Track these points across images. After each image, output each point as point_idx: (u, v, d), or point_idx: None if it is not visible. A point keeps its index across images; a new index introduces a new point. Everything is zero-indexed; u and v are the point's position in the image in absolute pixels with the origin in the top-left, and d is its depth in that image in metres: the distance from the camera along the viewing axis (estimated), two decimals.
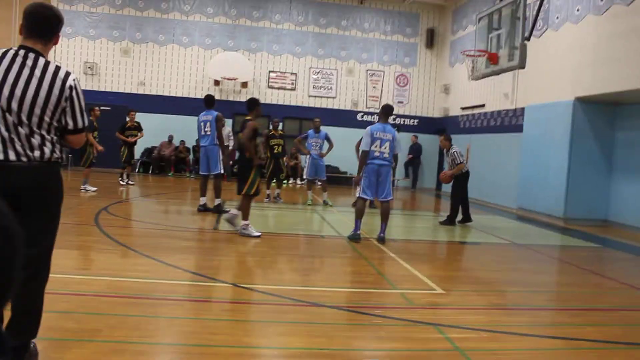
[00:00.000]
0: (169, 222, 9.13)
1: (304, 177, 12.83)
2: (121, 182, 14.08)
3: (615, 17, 11.09)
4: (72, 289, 4.72)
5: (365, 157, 7.93)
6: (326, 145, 12.65)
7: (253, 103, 8.08)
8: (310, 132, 12.61)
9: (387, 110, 8.23)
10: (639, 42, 10.39)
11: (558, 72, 12.84)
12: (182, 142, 18.60)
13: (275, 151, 12.43)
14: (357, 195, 8.19)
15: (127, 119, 14.30)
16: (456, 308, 4.99)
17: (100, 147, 12.55)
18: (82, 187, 11.91)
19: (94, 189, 12.04)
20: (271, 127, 12.75)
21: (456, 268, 7.11)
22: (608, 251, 9.18)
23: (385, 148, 7.88)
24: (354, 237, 7.97)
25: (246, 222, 7.78)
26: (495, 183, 15.47)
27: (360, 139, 8.62)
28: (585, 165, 12.17)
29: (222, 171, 9.97)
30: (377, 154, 7.87)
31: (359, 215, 8.06)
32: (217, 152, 9.80)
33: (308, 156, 12.55)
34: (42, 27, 3.01)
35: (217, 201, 9.76)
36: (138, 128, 14.25)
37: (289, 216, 11.07)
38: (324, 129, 12.88)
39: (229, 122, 18.74)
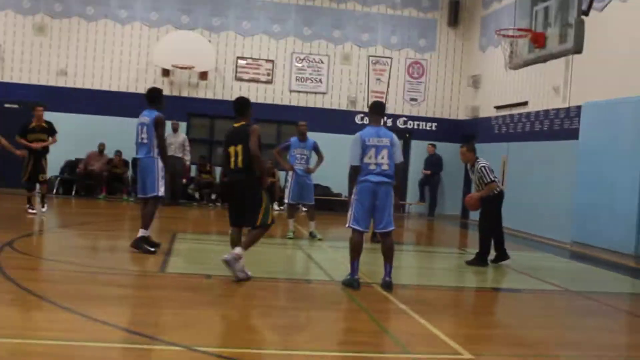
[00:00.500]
0: (99, 263, 9.06)
1: (285, 200, 12.79)
2: (30, 211, 13.49)
3: None
4: None
5: (355, 175, 7.94)
6: (314, 158, 12.65)
7: (246, 105, 8.28)
8: (294, 140, 12.61)
9: (377, 109, 8.30)
10: None
11: (627, 58, 12.93)
12: (118, 153, 18.50)
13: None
14: (347, 225, 8.15)
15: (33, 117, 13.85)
16: None
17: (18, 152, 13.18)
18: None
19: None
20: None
21: (489, 324, 7.09)
22: None
23: (383, 158, 7.86)
24: (351, 283, 7.94)
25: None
26: (542, 209, 15.52)
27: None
28: None
29: (160, 193, 9.69)
30: (372, 167, 7.85)
31: (355, 254, 7.98)
32: (155, 166, 9.60)
33: (290, 172, 12.53)
34: None
35: (142, 232, 9.55)
36: (47, 131, 13.63)
37: (264, 254, 11.01)
38: (311, 135, 12.88)
39: (182, 127, 18.77)
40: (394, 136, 8.10)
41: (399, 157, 8.05)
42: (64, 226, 12.67)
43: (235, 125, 8.10)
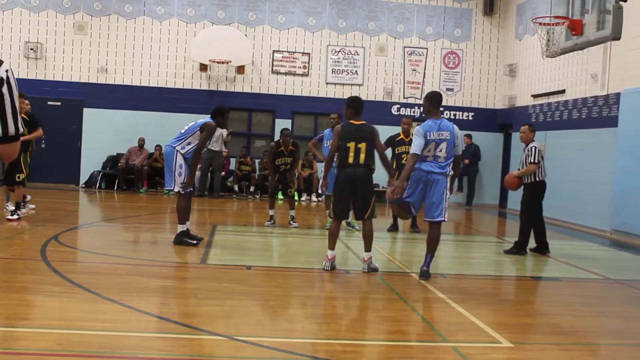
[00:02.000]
0: (142, 255, 9.21)
1: (322, 192, 12.83)
2: (8, 215, 11.35)
3: None
4: (11, 346, 4.79)
5: (414, 162, 7.94)
6: None
7: (362, 104, 8.52)
8: (327, 132, 12.63)
9: (435, 100, 8.19)
10: None
11: None
12: (158, 147, 18.69)
13: (282, 170, 12.49)
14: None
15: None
16: None
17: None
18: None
19: (32, 206, 12.28)
20: (280, 141, 12.60)
21: (528, 313, 7.06)
22: None
23: (441, 151, 7.90)
24: (425, 275, 7.95)
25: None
26: (581, 197, 15.36)
27: (388, 139, 8.67)
28: None
29: (175, 189, 9.67)
30: (429, 158, 7.92)
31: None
32: (174, 158, 9.57)
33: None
34: None
35: (180, 228, 9.65)
36: (29, 123, 11.39)
37: (301, 245, 11.08)
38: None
39: None
40: (456, 128, 8.07)
41: (459, 149, 8.11)
42: (107, 220, 12.87)
43: (356, 122, 8.25)
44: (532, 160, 10.12)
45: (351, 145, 8.08)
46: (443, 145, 7.89)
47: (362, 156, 8.08)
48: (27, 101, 11.91)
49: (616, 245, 12.81)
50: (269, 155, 12.70)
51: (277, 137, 19.57)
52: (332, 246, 8.22)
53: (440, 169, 7.94)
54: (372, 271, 8.14)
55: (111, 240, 10.74)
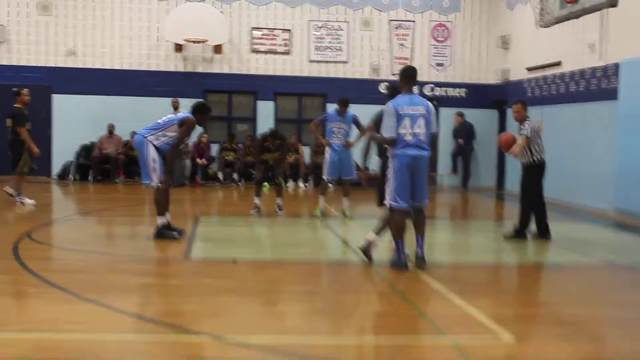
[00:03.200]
0: (120, 250, 9.18)
1: (323, 177, 12.73)
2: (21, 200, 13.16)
3: None
4: None
5: (390, 145, 7.86)
6: (354, 132, 12.52)
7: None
8: (331, 112, 12.57)
9: (409, 74, 8.09)
10: None
11: None
12: (133, 134, 18.57)
13: (269, 164, 12.50)
14: (387, 202, 8.07)
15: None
16: None
17: (36, 149, 13.09)
18: (18, 199, 12.90)
19: (32, 201, 12.92)
20: (268, 134, 12.59)
21: (529, 303, 7.08)
22: None
23: (420, 127, 7.76)
24: (399, 264, 7.83)
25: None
26: (581, 175, 15.45)
27: (372, 121, 8.60)
28: None
29: (152, 183, 9.60)
30: (408, 138, 7.74)
31: (399, 234, 7.88)
32: (145, 148, 9.48)
33: (328, 148, 12.49)
34: None
35: (159, 220, 9.62)
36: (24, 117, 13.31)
37: (290, 235, 11.08)
38: (333, 107, 12.80)
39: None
40: (429, 104, 7.98)
41: (434, 127, 7.98)
42: (82, 213, 12.83)
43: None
44: (522, 134, 10.08)
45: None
46: (421, 122, 7.75)
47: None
48: (25, 90, 13.33)
49: (620, 226, 12.90)
50: (255, 148, 12.70)
51: (259, 120, 19.68)
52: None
53: (426, 150, 7.83)
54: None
55: (87, 235, 10.69)
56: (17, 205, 12.73)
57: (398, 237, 7.86)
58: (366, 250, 8.12)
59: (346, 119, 12.40)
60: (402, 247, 7.89)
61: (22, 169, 12.92)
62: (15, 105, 13.09)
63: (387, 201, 7.93)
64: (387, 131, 7.81)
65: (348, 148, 12.42)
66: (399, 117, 7.76)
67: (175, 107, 17.99)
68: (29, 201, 12.92)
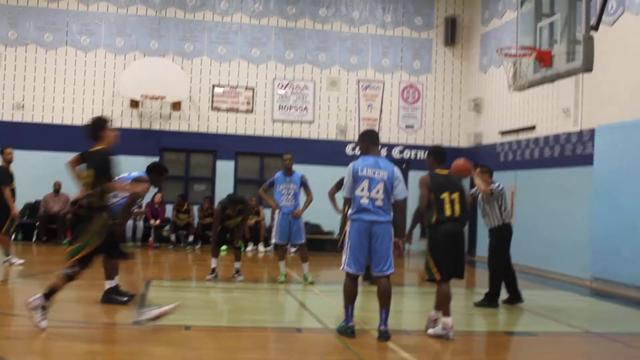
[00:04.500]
0: (66, 315, 9.01)
1: (272, 241, 12.75)
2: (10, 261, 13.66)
3: None
4: None
5: (347, 206, 8.01)
6: (303, 195, 12.59)
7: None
8: (279, 175, 12.62)
9: (372, 137, 8.27)
10: None
11: None
12: None
13: (231, 228, 12.49)
14: (341, 269, 8.16)
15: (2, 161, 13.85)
16: None
17: (15, 210, 13.49)
18: (5, 259, 13.35)
19: (21, 261, 13.47)
20: (227, 202, 12.57)
21: None
22: None
23: (378, 192, 7.81)
24: (345, 330, 7.94)
25: None
26: (557, 242, 15.58)
27: (336, 183, 8.69)
28: None
29: None
30: (364, 200, 7.82)
31: (349, 299, 7.98)
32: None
33: (277, 211, 12.52)
34: None
35: (108, 284, 9.62)
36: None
37: (250, 301, 10.97)
38: (298, 168, 12.87)
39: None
40: (396, 170, 8.02)
41: (400, 193, 7.97)
42: (24, 276, 12.59)
43: (440, 172, 8.40)
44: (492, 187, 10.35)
45: (446, 196, 8.13)
46: (380, 186, 7.80)
47: (457, 207, 8.15)
48: (9, 149, 13.81)
49: (597, 294, 13.02)
50: (214, 219, 12.66)
51: (219, 180, 19.66)
52: (447, 311, 8.07)
53: (384, 215, 7.88)
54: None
55: (28, 298, 10.49)
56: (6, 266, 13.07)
57: (347, 302, 7.97)
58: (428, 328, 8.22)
59: (294, 179, 12.47)
60: (350, 313, 7.97)
61: (8, 229, 13.35)
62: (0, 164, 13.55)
63: (342, 266, 8.01)
64: (346, 192, 7.97)
65: (297, 218, 12.44)
66: (357, 179, 7.83)
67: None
68: (18, 261, 13.39)
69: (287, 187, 12.47)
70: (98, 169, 7.97)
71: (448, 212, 8.12)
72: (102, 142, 8.18)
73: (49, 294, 7.70)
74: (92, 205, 8.08)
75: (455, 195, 8.19)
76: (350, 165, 7.99)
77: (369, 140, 8.19)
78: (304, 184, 12.51)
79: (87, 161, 8.19)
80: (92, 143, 8.25)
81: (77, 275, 7.95)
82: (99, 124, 8.31)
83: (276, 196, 12.52)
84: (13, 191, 13.48)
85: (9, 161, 13.62)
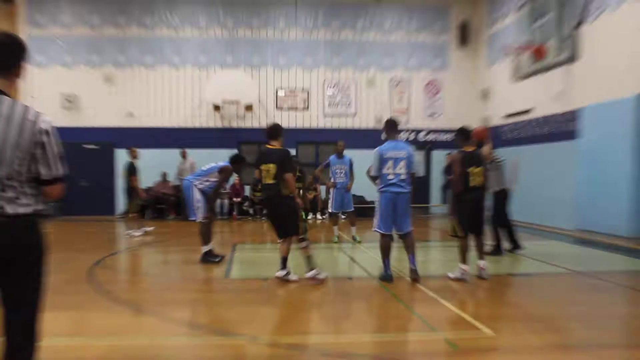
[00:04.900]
0: (171, 274, 9.38)
1: (329, 210, 12.99)
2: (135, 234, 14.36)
3: None
4: (67, 357, 4.99)
5: (374, 181, 8.23)
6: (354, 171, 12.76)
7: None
8: (333, 158, 12.81)
9: (392, 125, 8.40)
10: None
11: (619, 63, 12.96)
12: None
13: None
14: (373, 229, 8.41)
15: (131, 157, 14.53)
16: (509, 351, 5.17)
17: (143, 194, 14.54)
18: (141, 230, 14.26)
19: (149, 229, 14.67)
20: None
21: (506, 305, 7.23)
22: None
23: (401, 168, 8.05)
24: (385, 278, 8.20)
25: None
26: (549, 202, 15.56)
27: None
28: None
29: (197, 219, 9.91)
30: (390, 177, 8.06)
31: (385, 254, 8.23)
32: (191, 191, 9.81)
33: (332, 188, 12.76)
34: (1, 59, 3.16)
35: (204, 248, 9.99)
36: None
37: (313, 256, 11.21)
38: (345, 152, 13.04)
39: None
40: (411, 149, 8.27)
41: (414, 168, 8.20)
42: (142, 245, 13.00)
43: (467, 149, 8.49)
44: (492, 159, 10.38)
45: (472, 170, 8.29)
46: (402, 164, 8.04)
47: (480, 180, 8.31)
48: (135, 149, 14.75)
49: (580, 242, 12.98)
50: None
51: None
52: (464, 260, 8.36)
53: (405, 187, 8.09)
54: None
55: (146, 262, 10.95)
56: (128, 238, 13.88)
57: (384, 256, 8.24)
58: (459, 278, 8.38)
59: (345, 162, 12.68)
60: (387, 264, 8.22)
61: (134, 209, 14.53)
62: (130, 160, 14.34)
63: (374, 228, 8.28)
64: (374, 171, 8.20)
65: (348, 192, 12.64)
66: (383, 160, 8.09)
67: (184, 156, 18.46)
68: (140, 231, 14.39)
69: (340, 167, 12.66)
70: (279, 163, 8.08)
71: (473, 183, 8.28)
72: (278, 143, 8.34)
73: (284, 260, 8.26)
74: (281, 194, 8.13)
75: (479, 170, 8.29)
76: (376, 150, 8.23)
77: (387, 128, 8.41)
78: (351, 166, 12.73)
79: (267, 157, 8.20)
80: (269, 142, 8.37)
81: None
82: (279, 128, 8.49)
83: (332, 175, 12.72)
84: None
85: (135, 157, 14.26)
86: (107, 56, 19.67)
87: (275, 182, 8.07)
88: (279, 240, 8.39)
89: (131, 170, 14.10)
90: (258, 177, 8.37)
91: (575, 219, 14.19)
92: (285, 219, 8.21)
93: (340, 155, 12.73)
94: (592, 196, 13.49)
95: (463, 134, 8.65)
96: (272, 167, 8.08)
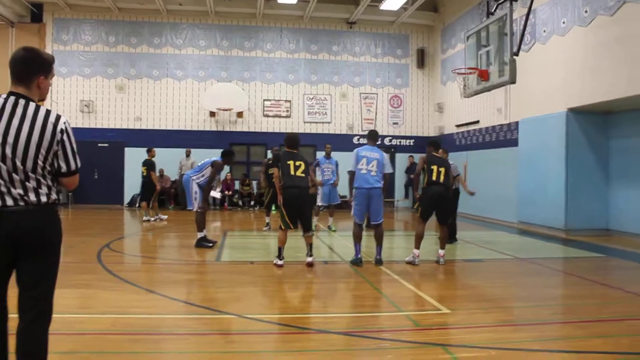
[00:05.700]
0: (170, 256, 9.13)
1: (318, 204, 12.71)
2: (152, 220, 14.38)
3: (599, 28, 11.28)
4: (76, 328, 4.72)
5: (352, 177, 8.06)
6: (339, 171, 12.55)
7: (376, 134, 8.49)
8: (321, 158, 12.63)
9: (372, 135, 8.40)
10: (623, 51, 10.55)
11: (549, 84, 13.00)
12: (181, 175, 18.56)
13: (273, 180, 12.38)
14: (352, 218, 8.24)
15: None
16: (463, 327, 4.98)
17: (159, 187, 14.48)
18: (155, 217, 14.34)
19: (163, 217, 14.68)
20: (271, 156, 12.61)
21: (460, 286, 7.08)
22: (611, 260, 9.16)
23: (373, 166, 7.96)
24: (356, 262, 8.02)
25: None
26: (495, 198, 15.50)
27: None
28: (583, 175, 12.24)
29: (194, 209, 9.70)
30: (363, 171, 7.94)
31: (357, 240, 8.15)
32: (190, 185, 9.63)
33: (321, 186, 12.49)
34: (23, 71, 3.07)
35: (199, 234, 9.72)
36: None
37: (291, 243, 11.03)
38: (319, 154, 12.84)
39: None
40: (384, 153, 8.22)
41: (387, 169, 8.13)
42: (145, 230, 12.71)
43: (436, 155, 8.47)
44: (456, 175, 10.22)
45: (434, 168, 8.16)
46: (374, 163, 7.96)
47: (442, 177, 8.17)
48: (153, 149, 14.75)
49: (522, 232, 12.95)
50: (263, 170, 12.60)
51: None
52: (417, 246, 8.19)
53: (377, 183, 7.98)
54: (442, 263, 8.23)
55: (148, 245, 10.63)
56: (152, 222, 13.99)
57: (356, 241, 8.16)
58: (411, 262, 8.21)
59: (332, 162, 12.50)
60: (358, 249, 8.13)
61: (154, 200, 14.39)
62: (148, 158, 14.24)
63: (351, 217, 8.19)
64: (351, 166, 8.12)
65: (335, 187, 12.43)
66: (358, 157, 8.01)
67: (188, 155, 18.26)
68: (152, 219, 14.34)
69: (328, 166, 12.48)
70: (306, 163, 8.12)
71: (434, 178, 8.15)
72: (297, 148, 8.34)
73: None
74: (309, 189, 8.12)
75: (442, 169, 8.20)
76: (355, 150, 8.17)
77: (368, 136, 8.41)
78: (337, 165, 12.54)
79: (296, 156, 8.17)
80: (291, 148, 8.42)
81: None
82: (298, 138, 8.55)
83: (321, 173, 12.50)
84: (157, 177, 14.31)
85: (153, 156, 14.25)
86: (120, 69, 19.24)
87: (305, 176, 8.01)
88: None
89: (151, 167, 14.01)
90: (277, 175, 8.13)
91: (517, 213, 14.12)
92: (309, 212, 8.17)
93: (328, 156, 12.56)
94: (531, 194, 13.42)
95: (433, 144, 8.81)
96: (302, 163, 8.06)
